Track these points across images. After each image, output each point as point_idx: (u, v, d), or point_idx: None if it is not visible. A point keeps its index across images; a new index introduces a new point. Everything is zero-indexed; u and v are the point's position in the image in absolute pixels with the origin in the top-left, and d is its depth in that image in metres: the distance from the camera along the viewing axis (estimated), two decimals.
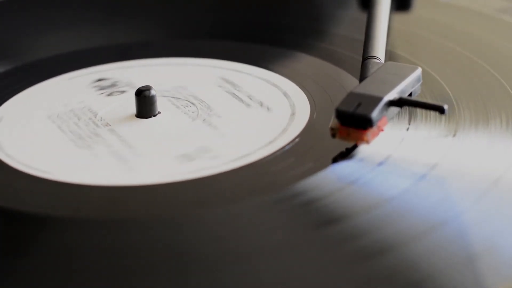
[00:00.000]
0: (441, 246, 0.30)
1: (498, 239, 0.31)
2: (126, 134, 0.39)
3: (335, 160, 0.35)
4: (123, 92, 0.43)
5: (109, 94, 0.42)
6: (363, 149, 0.36)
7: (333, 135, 0.35)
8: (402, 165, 0.35)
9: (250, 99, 0.40)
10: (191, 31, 0.50)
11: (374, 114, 0.35)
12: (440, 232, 0.31)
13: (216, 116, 0.40)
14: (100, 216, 0.33)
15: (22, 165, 0.37)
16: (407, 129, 0.37)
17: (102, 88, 0.43)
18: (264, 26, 0.50)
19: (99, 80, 0.44)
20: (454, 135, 0.37)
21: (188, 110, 0.40)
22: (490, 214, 0.32)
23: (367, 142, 0.35)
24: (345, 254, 0.30)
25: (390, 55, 0.44)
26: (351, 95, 0.36)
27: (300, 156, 0.36)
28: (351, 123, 0.35)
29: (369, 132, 0.35)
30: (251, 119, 0.39)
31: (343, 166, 0.35)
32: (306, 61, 0.45)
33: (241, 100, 0.41)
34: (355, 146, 0.36)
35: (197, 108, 0.40)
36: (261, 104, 0.40)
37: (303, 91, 0.42)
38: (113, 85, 0.44)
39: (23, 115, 0.41)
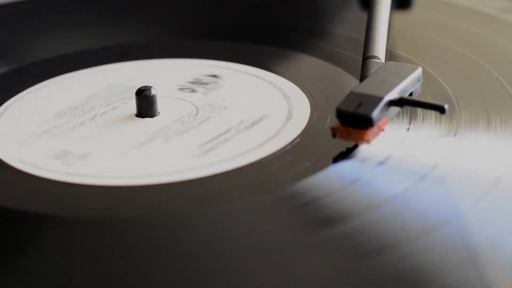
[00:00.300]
0: (441, 246, 0.30)
1: (498, 239, 0.31)
2: (95, 124, 0.40)
3: (335, 160, 0.35)
4: (194, 91, 0.42)
5: (181, 89, 0.42)
6: (363, 149, 0.36)
7: (334, 135, 0.35)
8: (402, 165, 0.35)
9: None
10: (190, 31, 0.50)
11: (375, 114, 0.35)
12: (441, 231, 0.31)
13: (169, 141, 0.38)
14: (99, 215, 0.33)
15: (22, 163, 0.37)
16: (408, 129, 0.37)
17: (196, 82, 0.43)
18: (265, 26, 0.50)
19: (212, 75, 0.44)
20: (454, 135, 0.37)
21: (181, 125, 0.39)
22: (490, 214, 0.32)
23: (368, 142, 0.35)
24: (345, 254, 0.30)
25: (390, 55, 0.44)
26: (352, 95, 0.36)
27: (300, 156, 0.36)
28: (351, 123, 0.35)
29: (370, 132, 0.35)
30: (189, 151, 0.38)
31: (343, 166, 0.35)
32: (306, 62, 0.45)
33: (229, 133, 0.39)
34: (355, 146, 0.36)
35: (191, 125, 0.39)
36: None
37: (304, 91, 0.42)
38: (204, 83, 0.43)
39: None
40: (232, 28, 0.50)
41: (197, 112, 0.40)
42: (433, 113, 0.38)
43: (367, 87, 0.36)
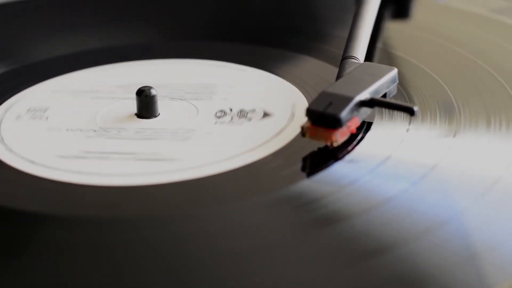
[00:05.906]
0: (441, 246, 0.30)
1: (498, 239, 0.31)
2: (90, 113, 0.41)
3: (335, 160, 0.35)
4: (220, 117, 0.40)
5: (217, 114, 0.40)
6: (363, 150, 0.36)
7: (303, 134, 0.35)
8: (402, 165, 0.35)
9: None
10: (192, 32, 0.50)
11: (343, 114, 0.35)
12: (440, 232, 0.31)
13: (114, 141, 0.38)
14: (99, 215, 0.33)
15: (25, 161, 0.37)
16: (407, 129, 0.37)
17: (240, 113, 0.40)
18: (266, 28, 0.50)
19: (265, 113, 0.41)
20: (454, 136, 0.37)
21: (177, 132, 0.39)
22: (490, 214, 0.32)
23: (336, 142, 0.35)
24: (345, 254, 0.30)
25: (389, 57, 0.45)
26: (323, 94, 0.36)
27: (299, 156, 0.36)
28: (321, 122, 0.35)
29: (338, 132, 0.35)
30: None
31: (342, 167, 0.35)
32: (307, 63, 0.45)
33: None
34: (354, 147, 0.36)
35: (142, 136, 0.39)
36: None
37: (303, 92, 0.42)
38: (244, 117, 0.40)
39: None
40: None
41: (172, 132, 0.39)
42: (432, 114, 0.38)
43: (339, 87, 0.36)
